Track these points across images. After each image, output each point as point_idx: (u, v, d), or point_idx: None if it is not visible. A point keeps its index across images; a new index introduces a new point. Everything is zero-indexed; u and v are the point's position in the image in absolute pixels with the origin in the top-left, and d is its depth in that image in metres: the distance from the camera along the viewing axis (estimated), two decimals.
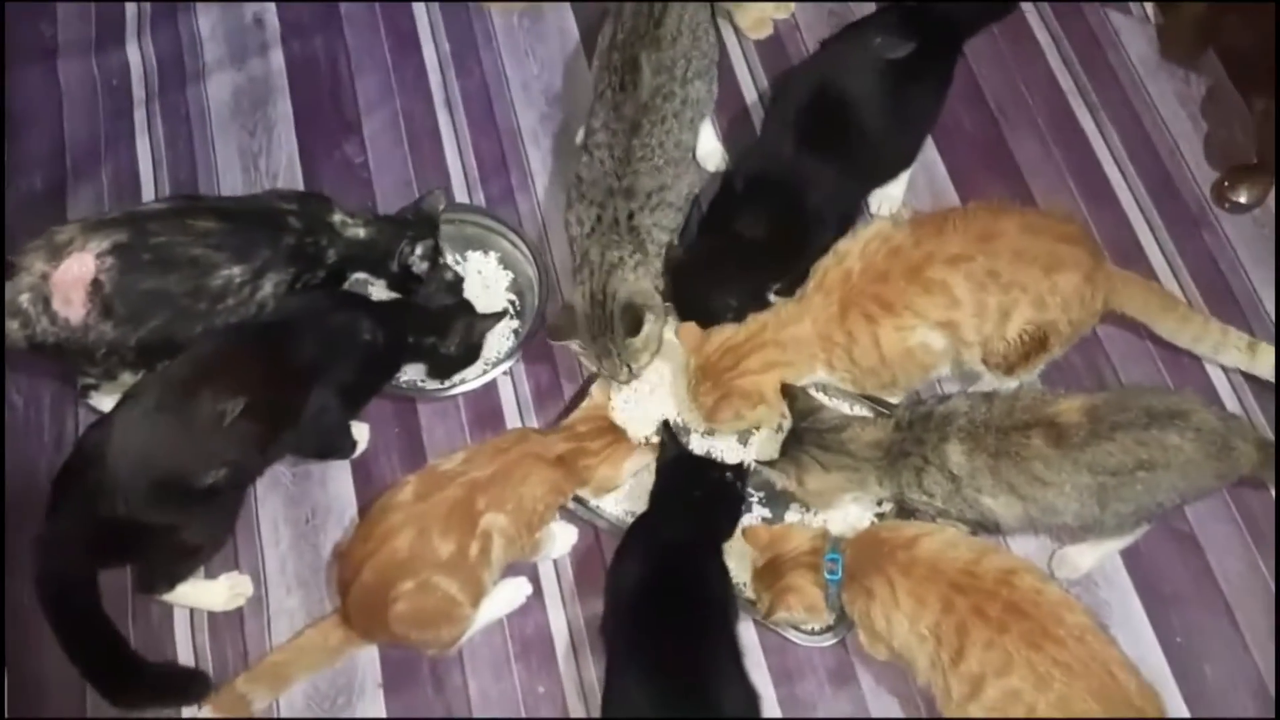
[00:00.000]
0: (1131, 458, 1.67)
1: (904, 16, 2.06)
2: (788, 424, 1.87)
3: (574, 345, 1.99)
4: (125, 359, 1.91)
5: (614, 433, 1.89)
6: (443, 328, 1.99)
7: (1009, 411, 1.74)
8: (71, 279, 1.82)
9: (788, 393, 1.86)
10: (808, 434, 1.83)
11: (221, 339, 1.88)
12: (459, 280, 2.09)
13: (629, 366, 1.95)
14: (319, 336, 1.89)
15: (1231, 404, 2.00)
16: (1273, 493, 1.90)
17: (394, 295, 2.07)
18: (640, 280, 1.96)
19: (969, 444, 1.73)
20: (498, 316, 2.06)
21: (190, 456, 1.76)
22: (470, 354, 2.05)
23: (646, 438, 1.98)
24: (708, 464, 1.90)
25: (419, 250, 2.03)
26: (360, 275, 2.06)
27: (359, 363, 1.92)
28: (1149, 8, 2.39)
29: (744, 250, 1.97)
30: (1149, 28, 2.36)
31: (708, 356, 1.90)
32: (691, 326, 1.93)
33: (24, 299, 1.82)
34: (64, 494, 1.75)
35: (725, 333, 1.92)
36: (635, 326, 1.90)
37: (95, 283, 1.83)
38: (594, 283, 1.93)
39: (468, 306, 2.05)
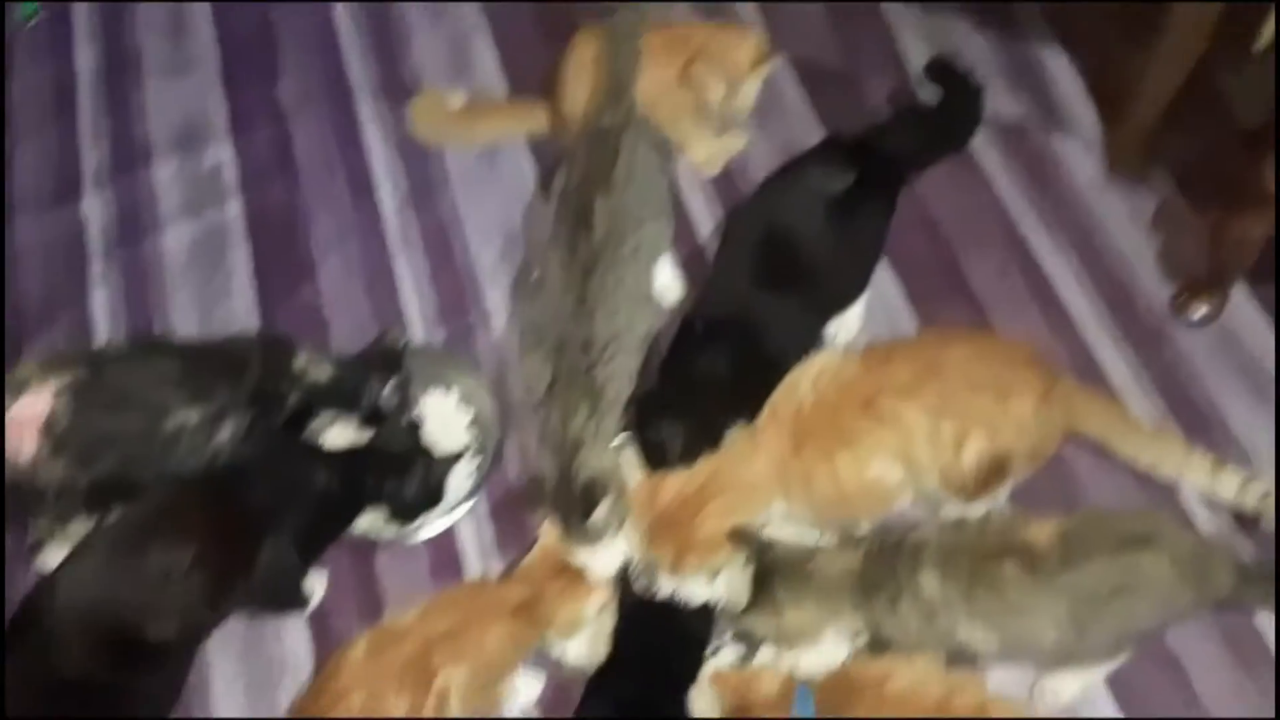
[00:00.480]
0: (1107, 583, 1.63)
1: (842, 151, 2.10)
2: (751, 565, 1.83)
3: (537, 515, 1.96)
4: (76, 502, 1.87)
5: (571, 571, 1.84)
6: (402, 471, 1.95)
7: (980, 539, 1.71)
8: (24, 418, 1.80)
9: (741, 538, 1.82)
10: (775, 570, 1.78)
11: (172, 488, 1.84)
12: (416, 421, 2.06)
13: (594, 544, 1.91)
14: (274, 485, 1.85)
15: (1206, 523, 1.97)
16: (1254, 616, 1.85)
17: (359, 437, 2.04)
18: (603, 456, 1.93)
19: (942, 572, 1.69)
20: (457, 457, 2.02)
21: (139, 611, 1.70)
22: (432, 497, 2.00)
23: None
24: (667, 610, 1.84)
25: (389, 387, 2.01)
26: (327, 416, 2.03)
27: (315, 511, 1.88)
28: (1093, 129, 2.43)
29: (705, 392, 1.96)
30: (1095, 148, 2.40)
31: (664, 510, 1.87)
32: (644, 484, 1.90)
33: None
34: (10, 656, 1.68)
35: (677, 482, 1.89)
36: (590, 509, 1.87)
37: (49, 421, 1.80)
38: (559, 459, 1.90)
39: (424, 447, 2.02)
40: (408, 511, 2.00)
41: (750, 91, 2.31)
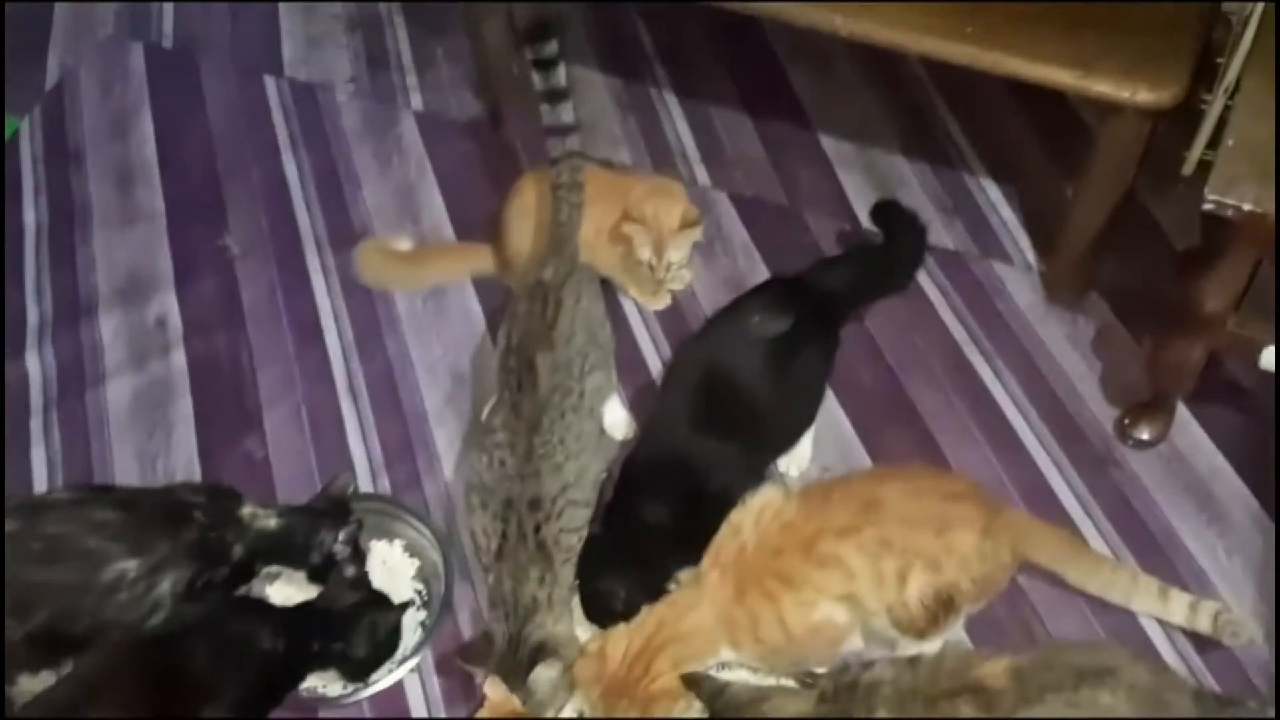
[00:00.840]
0: None
1: (781, 291, 2.13)
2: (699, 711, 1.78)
3: (478, 674, 1.92)
4: (16, 657, 1.80)
5: None
6: (348, 630, 1.90)
7: (934, 678, 1.67)
8: None
9: (690, 682, 1.78)
10: (727, 714, 1.73)
11: (107, 653, 1.77)
12: (363, 575, 2.01)
13: (540, 709, 1.87)
14: (214, 649, 1.78)
15: (1164, 648, 1.94)
16: None
17: (302, 592, 1.99)
18: (558, 623, 1.90)
19: (897, 715, 1.64)
20: (402, 608, 1.97)
21: None
22: (381, 651, 1.94)
23: None
24: None
25: (341, 537, 1.96)
26: (273, 569, 1.99)
27: (256, 675, 1.81)
28: (1030, 256, 2.47)
29: (647, 540, 1.94)
30: (1033, 275, 2.45)
31: (614, 675, 1.83)
32: (586, 661, 1.86)
33: None
34: None
35: (620, 644, 1.85)
36: (531, 667, 1.83)
37: None
38: (511, 624, 1.87)
39: (372, 600, 1.96)
40: (358, 670, 1.94)
41: (679, 252, 2.33)
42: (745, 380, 2.00)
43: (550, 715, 1.87)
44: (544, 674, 1.82)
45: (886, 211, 2.36)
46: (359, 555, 2.01)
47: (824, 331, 2.13)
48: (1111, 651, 1.68)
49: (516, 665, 1.84)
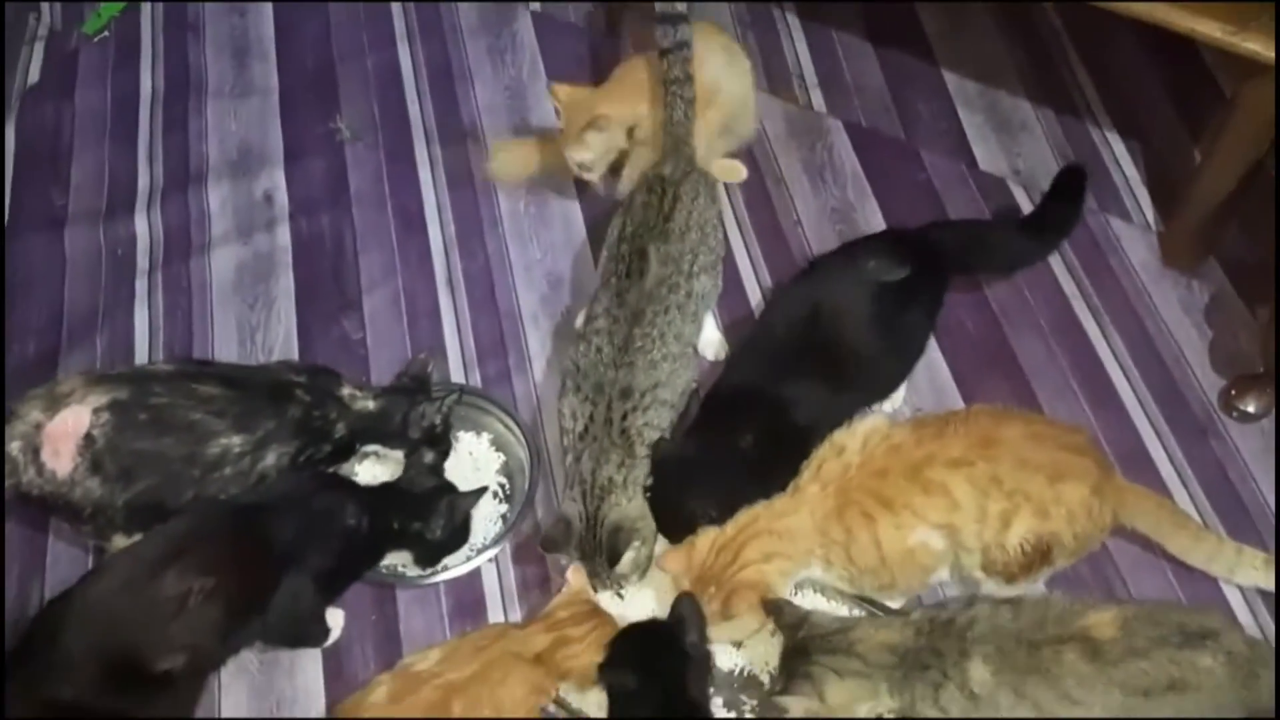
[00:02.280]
0: (1164, 677, 1.58)
1: (902, 241, 2.10)
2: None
3: (563, 559, 1.93)
4: (114, 520, 1.85)
5: (598, 616, 1.80)
6: (426, 512, 1.93)
7: (1040, 623, 1.66)
8: (64, 431, 1.79)
9: (771, 608, 1.77)
10: (811, 642, 1.72)
11: (197, 516, 1.82)
12: (440, 461, 2.03)
13: (617, 589, 1.90)
14: (300, 520, 1.82)
15: (1247, 622, 1.91)
16: None
17: (391, 472, 2.03)
18: (632, 503, 1.91)
19: (994, 663, 1.63)
20: (479, 494, 1.99)
21: (147, 640, 1.67)
22: (456, 537, 1.97)
23: None
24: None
25: (442, 409, 1.99)
26: (372, 448, 2.02)
27: (340, 549, 1.86)
28: (1150, 216, 2.41)
29: (728, 462, 1.93)
30: (1150, 235, 2.38)
31: (702, 565, 1.83)
32: (674, 555, 1.86)
33: (14, 447, 1.79)
34: (15, 671, 1.65)
35: (710, 535, 1.85)
36: (616, 556, 1.85)
37: (88, 437, 1.79)
38: (588, 504, 1.88)
39: (449, 487, 1.99)
40: (433, 553, 1.97)
41: (582, 153, 2.26)
42: (848, 323, 1.98)
43: (627, 596, 1.91)
44: (630, 557, 1.85)
45: (1072, 178, 2.25)
46: (448, 433, 2.03)
47: (934, 291, 2.10)
48: (1215, 615, 1.66)
49: (595, 544, 1.86)
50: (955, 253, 2.15)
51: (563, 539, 1.90)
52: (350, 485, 1.97)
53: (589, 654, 1.75)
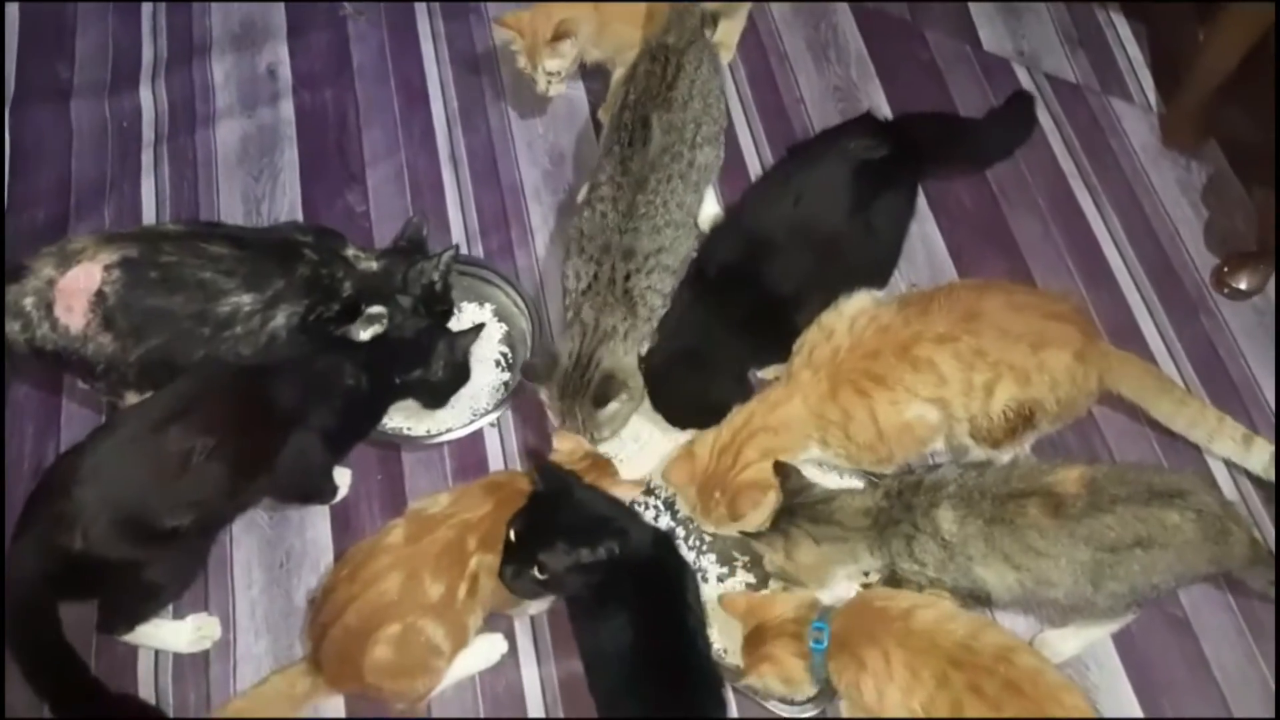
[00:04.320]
0: (1130, 533, 1.63)
1: (880, 125, 2.14)
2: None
3: (542, 394, 1.97)
4: (125, 377, 1.89)
5: (598, 465, 1.85)
6: (424, 355, 1.96)
7: (1005, 479, 1.71)
8: (76, 287, 1.82)
9: (780, 470, 1.82)
10: (798, 508, 1.79)
11: (200, 377, 1.84)
12: (409, 282, 2.01)
13: (590, 435, 1.94)
14: (301, 380, 1.85)
15: (1229, 492, 1.96)
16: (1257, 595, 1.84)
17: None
18: (628, 355, 1.95)
19: (962, 510, 1.69)
20: (477, 331, 2.03)
21: (155, 496, 1.72)
22: (459, 374, 2.01)
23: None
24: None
25: (440, 264, 2.01)
26: (375, 309, 2.02)
27: (342, 408, 1.89)
28: (1151, 97, 2.41)
29: (719, 343, 1.97)
30: (1151, 116, 2.38)
31: (705, 469, 1.87)
32: (678, 465, 1.90)
33: (28, 302, 1.82)
34: (28, 522, 1.71)
35: (709, 439, 1.89)
36: (604, 400, 1.89)
37: (99, 294, 1.83)
38: (584, 344, 1.92)
39: (442, 325, 2.01)
40: (438, 394, 2.00)
41: (556, 61, 2.23)
42: (829, 197, 2.00)
43: (602, 437, 1.95)
44: (614, 407, 1.90)
45: (1019, 102, 2.29)
46: (448, 291, 2.05)
47: (909, 177, 2.12)
48: (1187, 477, 1.70)
49: (581, 384, 1.90)
50: (927, 141, 2.16)
51: (544, 372, 1.93)
52: (347, 345, 1.98)
53: None
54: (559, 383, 1.92)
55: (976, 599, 1.75)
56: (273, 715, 1.79)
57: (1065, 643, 1.82)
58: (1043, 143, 2.34)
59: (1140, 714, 1.80)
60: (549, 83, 2.26)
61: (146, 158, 2.42)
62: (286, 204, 2.35)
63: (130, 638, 1.85)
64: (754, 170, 2.36)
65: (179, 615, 1.89)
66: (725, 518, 1.86)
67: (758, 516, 1.85)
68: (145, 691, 1.86)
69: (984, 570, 1.69)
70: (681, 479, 1.90)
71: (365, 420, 1.97)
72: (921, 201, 2.23)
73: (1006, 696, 1.51)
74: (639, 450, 2.03)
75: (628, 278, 1.94)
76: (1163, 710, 1.80)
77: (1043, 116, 2.37)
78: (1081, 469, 1.69)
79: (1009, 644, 1.58)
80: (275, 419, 1.83)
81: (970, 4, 2.55)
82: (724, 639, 1.83)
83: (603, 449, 1.97)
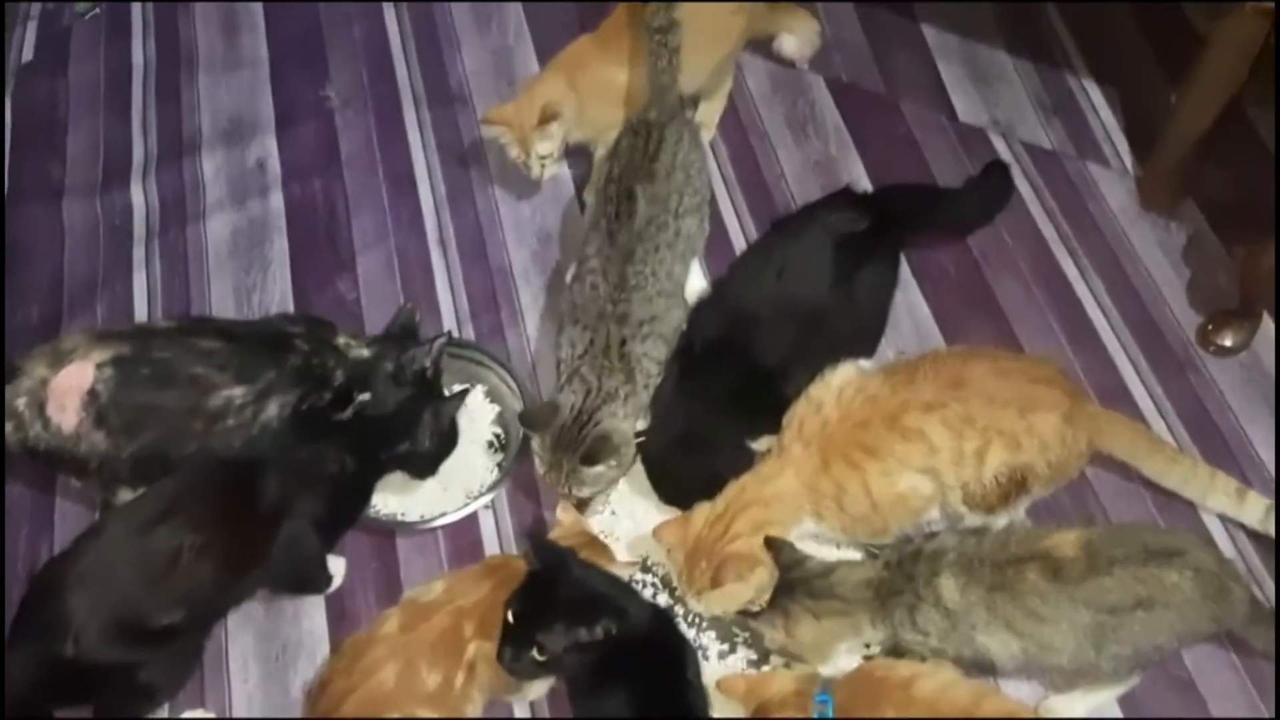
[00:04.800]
0: (1129, 594, 1.63)
1: (859, 199, 2.19)
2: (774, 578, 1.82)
3: (534, 442, 1.98)
4: (119, 474, 1.90)
5: (594, 545, 1.85)
6: (409, 427, 1.96)
7: (1003, 545, 1.71)
8: (68, 386, 1.83)
9: (772, 545, 1.82)
10: (796, 583, 1.78)
11: (185, 475, 1.85)
12: (401, 369, 2.03)
13: (570, 490, 1.94)
14: (286, 471, 1.86)
15: (1226, 549, 1.95)
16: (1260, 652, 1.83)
17: None
18: (625, 422, 1.96)
19: (963, 578, 1.69)
20: (462, 396, 2.04)
21: (145, 597, 1.72)
22: (447, 441, 2.01)
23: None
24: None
25: (432, 350, 2.02)
26: (366, 397, 2.03)
27: (330, 494, 1.89)
28: (1127, 160, 2.45)
29: (710, 419, 1.98)
30: (1128, 179, 2.42)
31: (696, 537, 1.86)
32: (670, 527, 1.90)
33: (20, 402, 1.84)
34: (19, 633, 1.70)
35: (704, 510, 1.89)
36: (594, 460, 1.90)
37: (92, 392, 1.84)
38: (586, 401, 1.93)
39: (424, 393, 2.01)
40: (427, 464, 2.00)
41: (547, 144, 2.26)
42: (812, 270, 2.03)
43: (583, 494, 1.96)
44: (600, 470, 1.91)
45: (996, 172, 2.36)
46: (439, 377, 2.06)
47: (891, 247, 2.16)
48: (1183, 535, 1.71)
49: (575, 439, 1.91)
50: (907, 212, 2.21)
51: (543, 421, 1.94)
52: (330, 428, 1.97)
53: None
54: (554, 434, 1.93)
55: (980, 667, 1.74)
56: None
57: (1071, 708, 1.80)
58: (1022, 209, 2.38)
59: None
60: (543, 166, 2.29)
61: (138, 254, 2.45)
62: (277, 294, 2.37)
63: None
64: (739, 245, 2.39)
65: (175, 712, 1.87)
66: (707, 587, 1.84)
67: (742, 594, 1.83)
68: None
69: (987, 638, 1.68)
70: (672, 540, 1.89)
71: (355, 502, 1.97)
72: (905, 270, 2.26)
73: None
74: (634, 529, 2.02)
75: (623, 343, 1.96)
76: None
77: (1021, 183, 2.41)
78: (1078, 532, 1.69)
79: (1011, 710, 1.57)
80: (263, 512, 1.83)
81: (944, 76, 2.60)
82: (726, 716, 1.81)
83: (599, 528, 1.97)
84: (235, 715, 1.89)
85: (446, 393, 2.13)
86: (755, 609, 1.81)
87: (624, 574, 1.84)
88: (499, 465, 2.12)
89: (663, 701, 1.69)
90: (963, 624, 1.68)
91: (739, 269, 2.16)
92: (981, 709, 1.57)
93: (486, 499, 2.05)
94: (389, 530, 2.04)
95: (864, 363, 2.07)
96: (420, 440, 1.96)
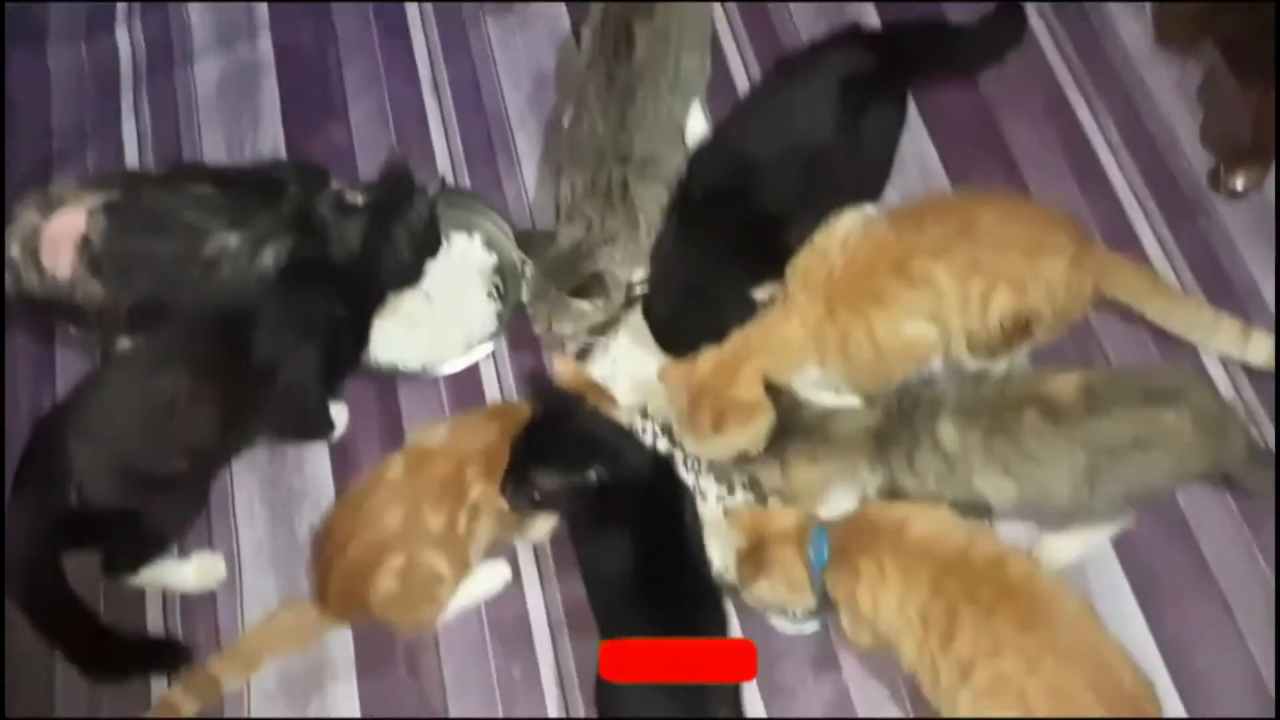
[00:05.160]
0: (1127, 436, 1.62)
1: (862, 39, 2.08)
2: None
3: (527, 267, 1.97)
4: (117, 323, 1.89)
5: (594, 390, 1.85)
6: (384, 248, 1.92)
7: (1001, 390, 1.71)
8: (60, 233, 1.81)
9: (771, 390, 1.81)
10: (794, 428, 1.79)
11: (182, 323, 1.84)
12: (353, 205, 1.96)
13: (550, 321, 1.94)
14: (278, 320, 1.84)
15: (1226, 392, 1.95)
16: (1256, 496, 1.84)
17: None
18: (620, 269, 1.94)
19: (961, 422, 1.69)
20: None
21: (146, 446, 1.73)
22: (427, 243, 1.98)
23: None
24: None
25: (431, 192, 1.98)
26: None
27: (324, 341, 1.88)
28: None
29: (712, 267, 1.94)
30: (1144, 16, 2.33)
31: (701, 381, 1.85)
32: (674, 367, 1.88)
33: (13, 249, 1.82)
34: (22, 481, 1.72)
35: (710, 355, 1.87)
36: (583, 294, 1.89)
37: (85, 239, 1.81)
38: (586, 239, 1.91)
39: (384, 215, 1.93)
40: (412, 273, 1.97)
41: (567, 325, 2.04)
42: (818, 111, 1.96)
43: (564, 331, 1.96)
44: (586, 307, 1.90)
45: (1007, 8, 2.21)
46: (436, 226, 2.02)
47: (898, 88, 2.07)
48: (1181, 376, 1.69)
49: (567, 271, 1.90)
50: (916, 51, 2.11)
51: (536, 246, 1.93)
52: (317, 273, 1.93)
53: None
54: (548, 262, 1.91)
55: (977, 510, 1.75)
56: (283, 649, 1.82)
57: (1064, 549, 1.83)
58: (1034, 47, 2.29)
59: (1140, 616, 1.81)
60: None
61: (126, 101, 2.40)
62: (269, 142, 2.33)
63: (136, 580, 1.86)
64: (742, 87, 2.32)
65: (184, 555, 1.90)
66: (708, 431, 1.84)
67: (741, 441, 1.84)
68: (155, 632, 1.88)
69: (984, 481, 1.69)
70: (676, 382, 1.88)
71: (353, 345, 1.95)
72: (913, 114, 2.19)
73: (1001, 601, 1.51)
74: (634, 379, 2.01)
75: (625, 184, 1.92)
76: (1162, 612, 1.81)
77: (1034, 20, 2.31)
78: (1077, 374, 1.68)
79: (1002, 551, 1.59)
80: (259, 359, 1.81)
81: None
82: (723, 558, 1.84)
83: (600, 379, 1.96)
84: (244, 559, 1.92)
85: (445, 238, 2.11)
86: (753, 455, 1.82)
87: (624, 419, 1.84)
88: (498, 315, 2.11)
89: (660, 544, 1.71)
90: (960, 467, 1.69)
91: (741, 112, 2.09)
92: (973, 550, 1.58)
93: (487, 348, 2.05)
94: (391, 379, 2.04)
95: (869, 208, 2.03)
96: (400, 251, 1.92)
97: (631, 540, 1.70)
